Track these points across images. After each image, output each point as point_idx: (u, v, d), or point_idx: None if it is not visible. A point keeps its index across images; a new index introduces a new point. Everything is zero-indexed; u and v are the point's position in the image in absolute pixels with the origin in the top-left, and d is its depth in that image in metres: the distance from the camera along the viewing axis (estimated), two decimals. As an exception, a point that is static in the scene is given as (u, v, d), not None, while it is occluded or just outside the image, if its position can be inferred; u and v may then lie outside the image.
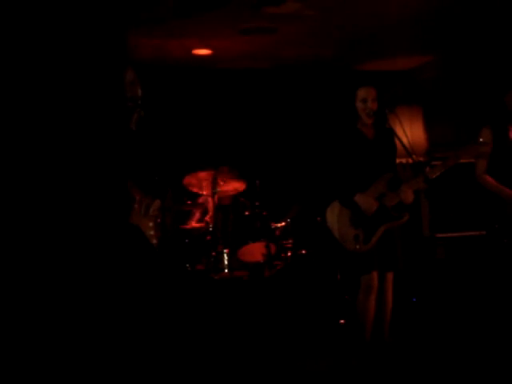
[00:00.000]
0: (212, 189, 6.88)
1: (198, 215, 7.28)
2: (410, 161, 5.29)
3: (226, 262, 6.80)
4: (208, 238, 6.86)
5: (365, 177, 5.05)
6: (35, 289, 2.05)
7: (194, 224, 7.19)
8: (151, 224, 4.39)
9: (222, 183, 6.94)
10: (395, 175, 5.10)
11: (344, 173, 5.08)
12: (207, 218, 7.04)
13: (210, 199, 6.99)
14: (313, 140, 7.44)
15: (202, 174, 6.91)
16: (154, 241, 4.38)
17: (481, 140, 5.26)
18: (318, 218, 6.75)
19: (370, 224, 4.96)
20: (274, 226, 6.93)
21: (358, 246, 4.95)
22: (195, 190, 7.09)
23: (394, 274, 5.12)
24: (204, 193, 7.08)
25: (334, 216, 5.10)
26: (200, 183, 7.02)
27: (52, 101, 2.17)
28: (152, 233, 4.39)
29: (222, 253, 6.81)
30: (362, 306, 5.07)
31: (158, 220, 4.45)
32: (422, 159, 7.14)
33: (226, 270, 6.78)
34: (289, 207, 7.01)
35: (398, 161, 7.19)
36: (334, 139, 5.20)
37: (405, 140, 5.12)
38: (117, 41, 2.23)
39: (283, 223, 6.96)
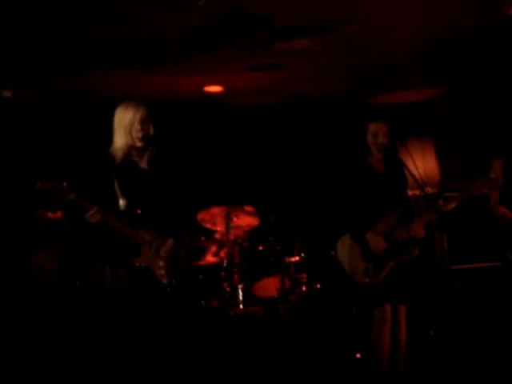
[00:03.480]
0: (226, 224, 6.91)
1: (214, 249, 7.29)
2: (423, 193, 5.28)
3: (240, 298, 6.80)
4: (222, 273, 6.87)
5: (375, 211, 5.05)
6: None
7: (210, 258, 7.19)
8: (162, 263, 4.42)
9: (235, 219, 6.96)
10: (406, 209, 5.09)
11: (354, 207, 5.08)
12: (222, 254, 7.04)
13: (223, 235, 7.01)
14: (324, 174, 7.45)
15: (216, 210, 6.94)
16: (165, 280, 4.40)
17: (491, 175, 5.27)
18: (332, 252, 6.74)
19: (380, 258, 4.96)
20: (288, 260, 6.93)
21: (367, 280, 4.95)
22: (209, 225, 7.12)
23: (406, 307, 5.10)
24: (218, 228, 7.10)
25: (344, 249, 5.10)
26: (213, 219, 7.05)
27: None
28: (162, 272, 4.41)
29: (237, 288, 6.81)
30: (377, 339, 5.05)
31: (180, 259, 4.46)
32: (435, 191, 7.14)
33: (241, 306, 6.78)
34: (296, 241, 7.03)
35: (411, 193, 7.25)
36: (344, 173, 5.22)
37: (416, 173, 5.12)
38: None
39: (297, 258, 6.96)
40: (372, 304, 5.05)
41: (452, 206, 4.95)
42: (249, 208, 7.23)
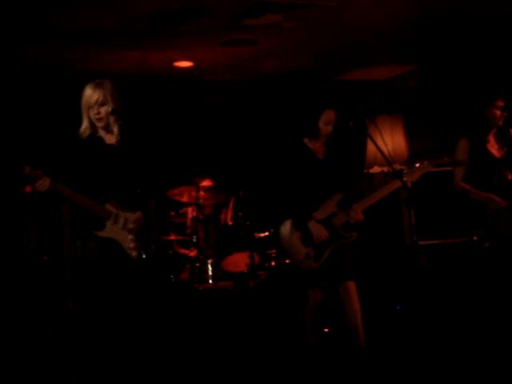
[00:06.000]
0: (196, 200, 6.93)
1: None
2: (391, 170, 5.36)
3: (210, 273, 6.85)
4: (192, 248, 6.91)
5: (316, 196, 5.18)
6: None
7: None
8: (130, 237, 4.44)
9: (205, 196, 6.98)
10: (346, 195, 5.21)
11: (295, 192, 5.20)
12: (191, 230, 7.08)
13: (190, 210, 7.04)
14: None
15: (186, 187, 6.96)
16: (134, 253, 4.43)
17: (457, 154, 5.55)
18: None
19: (321, 243, 5.08)
20: (257, 235, 6.98)
21: (309, 264, 5.10)
22: (178, 199, 7.13)
23: (355, 283, 5.21)
24: (187, 203, 7.11)
25: (286, 233, 5.20)
26: (183, 195, 7.06)
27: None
28: (131, 245, 4.43)
29: (207, 263, 6.85)
30: (308, 316, 5.31)
31: (150, 233, 4.49)
32: (403, 168, 7.22)
33: (211, 281, 6.83)
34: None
35: (379, 170, 7.33)
36: (286, 159, 5.33)
37: (385, 149, 5.20)
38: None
39: (267, 233, 7.01)
40: (305, 286, 5.26)
41: (415, 178, 5.10)
42: (218, 185, 7.26)
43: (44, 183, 4.19)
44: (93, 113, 4.39)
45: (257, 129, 8.49)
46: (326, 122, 5.17)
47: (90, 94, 4.38)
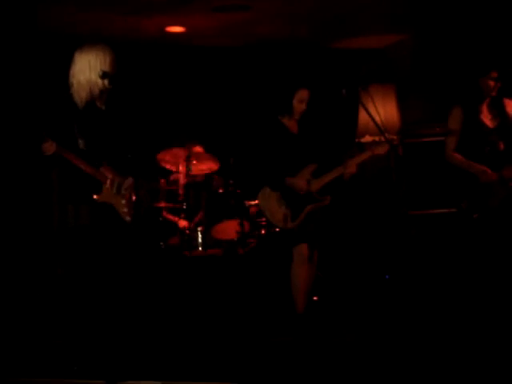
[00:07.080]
0: (186, 166, 6.88)
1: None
2: (383, 139, 5.38)
3: (199, 240, 6.84)
4: (182, 215, 6.88)
5: (291, 167, 5.48)
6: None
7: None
8: (124, 201, 4.47)
9: (195, 161, 6.94)
10: (319, 165, 5.51)
11: (271, 164, 5.48)
12: (182, 196, 7.04)
13: (181, 177, 6.99)
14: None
15: (176, 151, 6.91)
16: (128, 218, 4.45)
17: (450, 124, 5.66)
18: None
19: (297, 205, 5.40)
20: (247, 203, 6.96)
21: (287, 224, 5.40)
22: (168, 166, 7.09)
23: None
24: (177, 170, 7.06)
25: (264, 199, 5.53)
26: (174, 160, 7.02)
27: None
28: (125, 210, 4.46)
29: (196, 230, 6.83)
30: (295, 277, 5.48)
31: (133, 198, 4.51)
32: (394, 137, 7.21)
33: (200, 248, 6.83)
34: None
35: (371, 139, 7.30)
36: (261, 133, 5.63)
37: (377, 118, 5.23)
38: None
39: (257, 201, 6.98)
40: (291, 244, 5.49)
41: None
42: (209, 151, 7.21)
43: (50, 146, 4.18)
44: (100, 71, 4.36)
45: (248, 96, 8.41)
46: (300, 100, 5.42)
47: (103, 53, 4.39)
